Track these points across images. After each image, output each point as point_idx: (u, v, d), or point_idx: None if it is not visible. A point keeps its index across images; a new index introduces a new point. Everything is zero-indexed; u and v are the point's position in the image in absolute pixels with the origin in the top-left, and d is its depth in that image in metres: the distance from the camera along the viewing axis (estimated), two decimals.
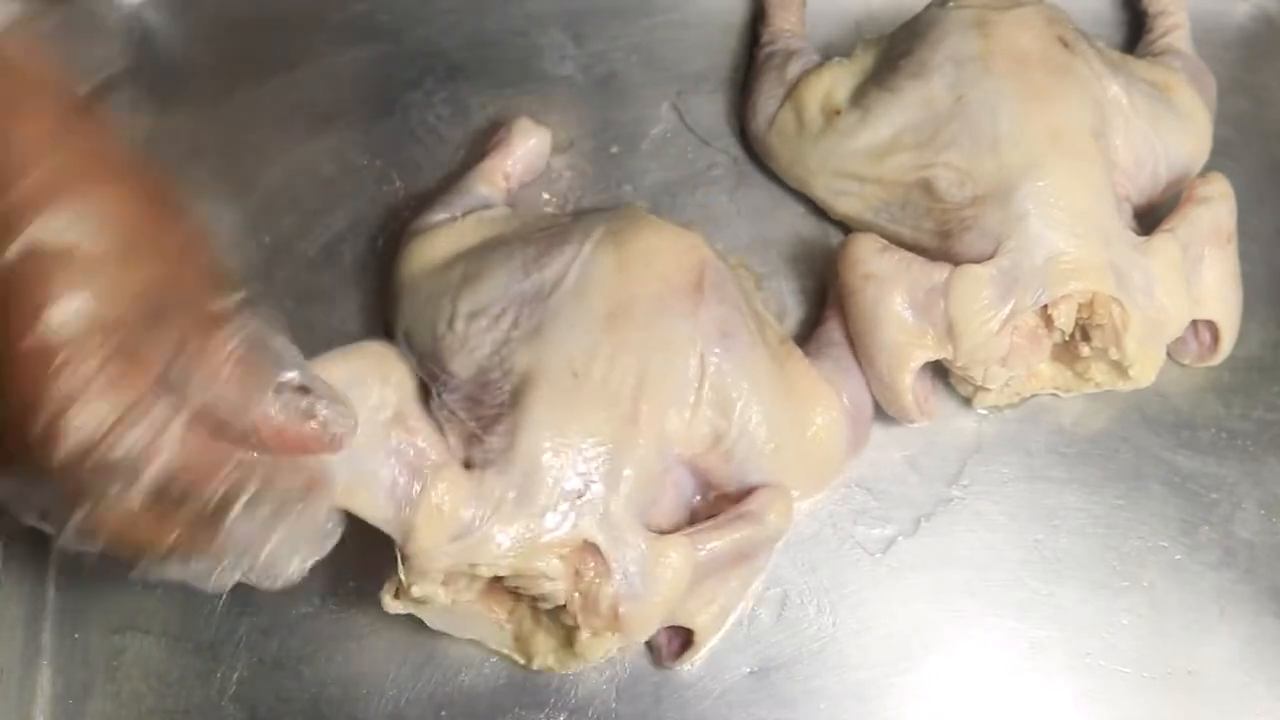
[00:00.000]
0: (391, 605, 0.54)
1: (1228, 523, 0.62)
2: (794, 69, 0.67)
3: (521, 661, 0.57)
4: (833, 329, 0.62)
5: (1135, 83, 0.63)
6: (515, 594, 0.54)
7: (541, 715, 0.58)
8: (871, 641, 0.59)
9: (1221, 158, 0.67)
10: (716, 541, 0.54)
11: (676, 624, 0.56)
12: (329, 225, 0.67)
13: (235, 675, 0.58)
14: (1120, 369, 0.60)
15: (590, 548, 0.52)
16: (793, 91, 0.66)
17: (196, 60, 0.71)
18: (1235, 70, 0.72)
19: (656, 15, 0.72)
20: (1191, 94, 0.65)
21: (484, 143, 0.68)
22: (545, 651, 0.56)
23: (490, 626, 0.56)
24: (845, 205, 0.65)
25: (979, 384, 0.60)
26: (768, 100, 0.67)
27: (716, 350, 0.56)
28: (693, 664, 0.58)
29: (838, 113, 0.64)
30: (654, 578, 0.53)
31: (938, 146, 0.61)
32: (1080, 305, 0.58)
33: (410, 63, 0.71)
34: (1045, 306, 0.58)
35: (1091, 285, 0.58)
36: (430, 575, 0.52)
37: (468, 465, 0.53)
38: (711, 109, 0.70)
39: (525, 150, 0.66)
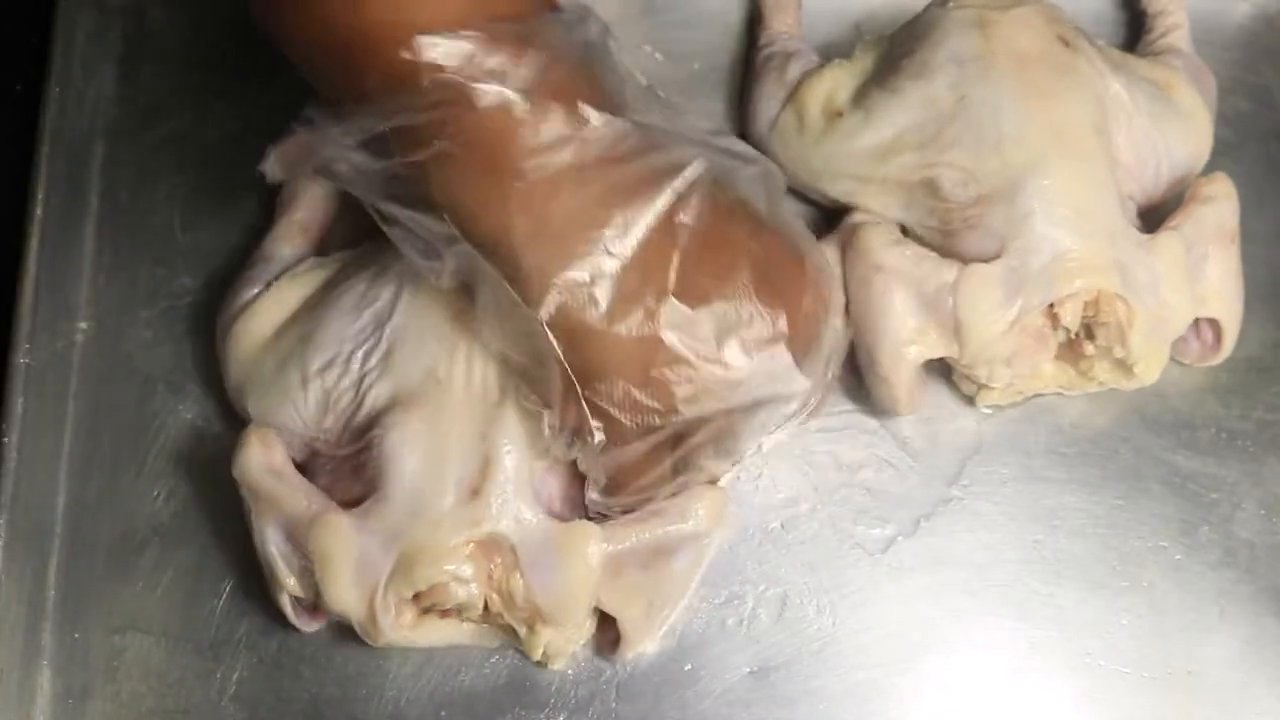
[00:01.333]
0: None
1: (1228, 523, 0.62)
2: (794, 71, 0.67)
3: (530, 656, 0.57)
4: None
5: (1136, 81, 0.63)
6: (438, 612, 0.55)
7: (541, 715, 0.58)
8: (871, 641, 0.59)
9: (1221, 158, 0.66)
10: (629, 535, 0.54)
11: (606, 611, 0.56)
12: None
13: (235, 675, 0.58)
14: (1125, 367, 0.60)
15: (493, 544, 0.53)
16: (793, 94, 0.66)
17: (196, 60, 0.71)
18: (1235, 70, 0.72)
19: (656, 15, 0.72)
20: (1192, 93, 0.65)
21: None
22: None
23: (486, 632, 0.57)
24: (857, 204, 0.65)
25: (983, 383, 0.60)
26: (768, 104, 0.67)
27: None
28: (690, 664, 0.58)
29: (840, 114, 0.64)
30: (563, 561, 0.53)
31: (941, 146, 0.61)
32: (1086, 303, 0.58)
33: None
34: (1051, 305, 0.58)
35: (1097, 283, 0.58)
36: (372, 621, 0.53)
37: (354, 505, 0.54)
38: (711, 110, 0.70)
39: (311, 198, 0.63)
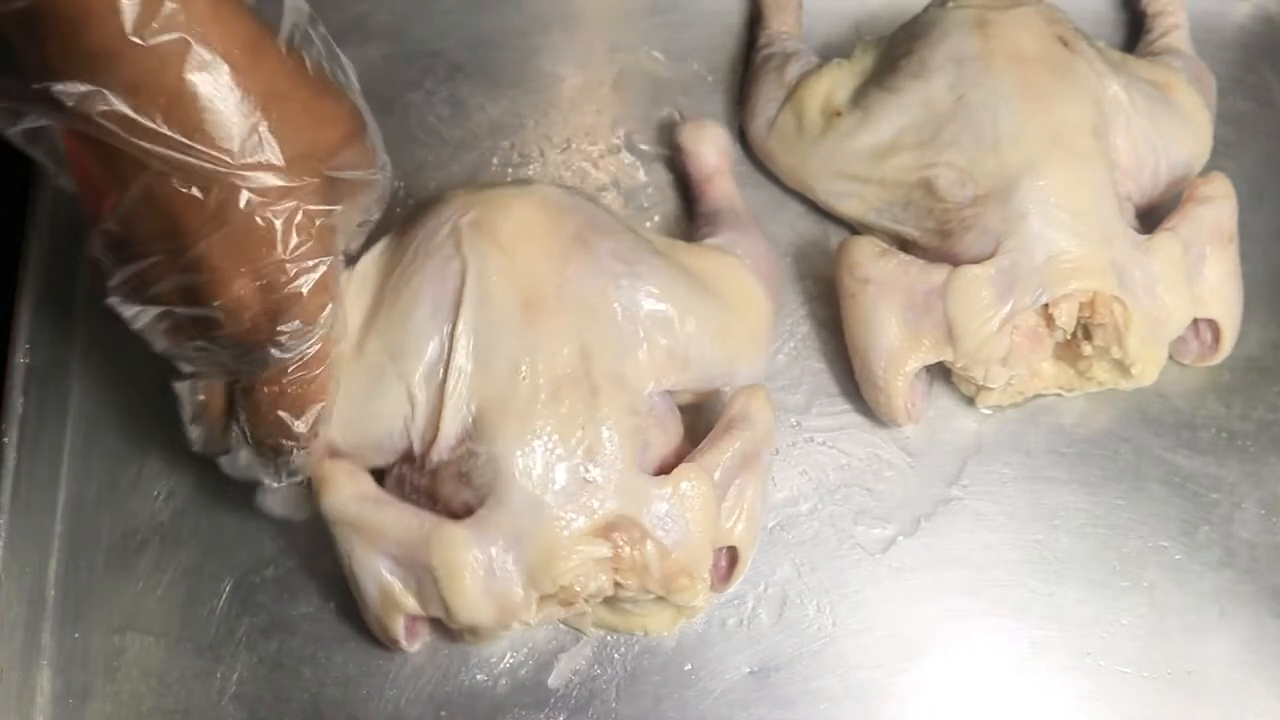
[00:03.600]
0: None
1: (1228, 523, 0.62)
2: (792, 71, 0.67)
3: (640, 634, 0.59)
4: (708, 201, 0.64)
5: (1135, 82, 0.63)
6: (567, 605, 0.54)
7: (541, 715, 0.58)
8: (871, 641, 0.59)
9: (1221, 158, 0.67)
10: (719, 455, 0.55)
11: (720, 546, 0.56)
12: None
13: (235, 675, 0.58)
14: (1123, 368, 0.60)
15: (613, 524, 0.53)
16: (792, 94, 0.66)
17: None
18: (1235, 70, 0.72)
19: (656, 15, 0.72)
20: (1192, 93, 0.65)
21: (485, 144, 0.68)
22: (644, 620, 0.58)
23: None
24: (847, 207, 0.65)
25: (981, 384, 0.60)
26: (767, 103, 0.67)
27: (625, 282, 0.56)
28: (690, 664, 0.58)
29: (838, 114, 0.64)
30: (685, 514, 0.53)
31: (939, 146, 0.61)
32: (1082, 304, 0.58)
33: (410, 63, 0.71)
34: (1046, 306, 0.58)
35: (1093, 284, 0.58)
36: (506, 625, 0.53)
37: (464, 513, 0.53)
38: (710, 110, 0.70)
39: None
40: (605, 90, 0.70)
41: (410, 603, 0.54)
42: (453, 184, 0.68)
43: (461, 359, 0.54)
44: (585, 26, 0.72)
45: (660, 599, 0.55)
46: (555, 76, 0.71)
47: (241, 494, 0.61)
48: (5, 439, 0.59)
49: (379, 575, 0.54)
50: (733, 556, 0.57)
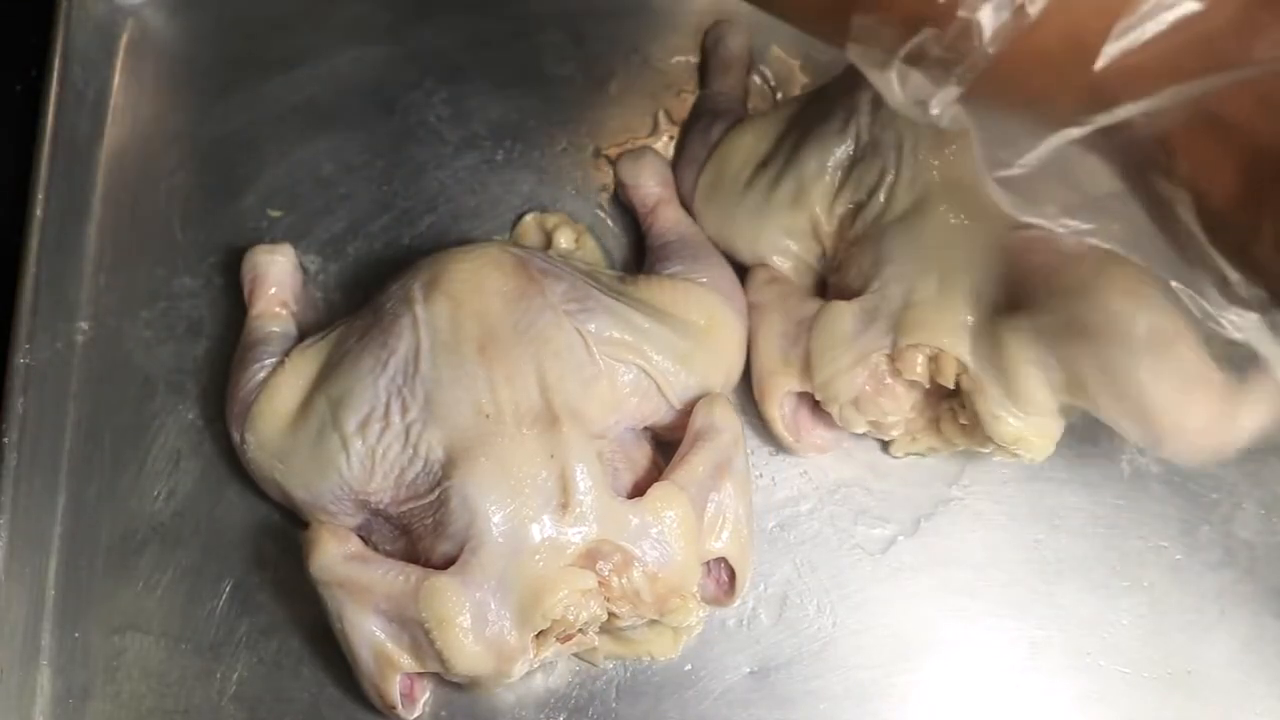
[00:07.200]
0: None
1: (1228, 523, 0.62)
2: (717, 131, 0.65)
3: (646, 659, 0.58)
4: (657, 233, 0.64)
5: None
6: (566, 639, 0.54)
7: (541, 715, 0.58)
8: (871, 641, 0.59)
9: None
10: (691, 470, 0.55)
11: (710, 560, 0.56)
12: (329, 225, 0.67)
13: (235, 675, 0.58)
14: (977, 434, 0.57)
15: (596, 551, 0.53)
16: (713, 152, 0.65)
17: (196, 60, 0.71)
18: None
19: (656, 15, 0.72)
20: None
21: (486, 144, 0.68)
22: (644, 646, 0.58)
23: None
24: (777, 263, 0.63)
25: (849, 429, 0.60)
26: (690, 165, 0.65)
27: (581, 317, 0.56)
28: (690, 664, 0.58)
29: (763, 165, 0.63)
30: (665, 534, 0.53)
31: (844, 187, 0.61)
32: (930, 359, 0.56)
33: (410, 63, 0.71)
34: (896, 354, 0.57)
35: (938, 341, 0.55)
36: (505, 671, 0.53)
37: (446, 564, 0.53)
38: None
39: (279, 273, 0.63)
40: (605, 90, 0.70)
41: (405, 660, 0.53)
42: (452, 183, 0.68)
43: (416, 411, 0.54)
44: (585, 26, 0.72)
45: (656, 622, 0.55)
46: (555, 76, 0.71)
47: (242, 494, 0.61)
48: (5, 439, 0.59)
49: (371, 635, 0.53)
50: (730, 569, 0.57)
